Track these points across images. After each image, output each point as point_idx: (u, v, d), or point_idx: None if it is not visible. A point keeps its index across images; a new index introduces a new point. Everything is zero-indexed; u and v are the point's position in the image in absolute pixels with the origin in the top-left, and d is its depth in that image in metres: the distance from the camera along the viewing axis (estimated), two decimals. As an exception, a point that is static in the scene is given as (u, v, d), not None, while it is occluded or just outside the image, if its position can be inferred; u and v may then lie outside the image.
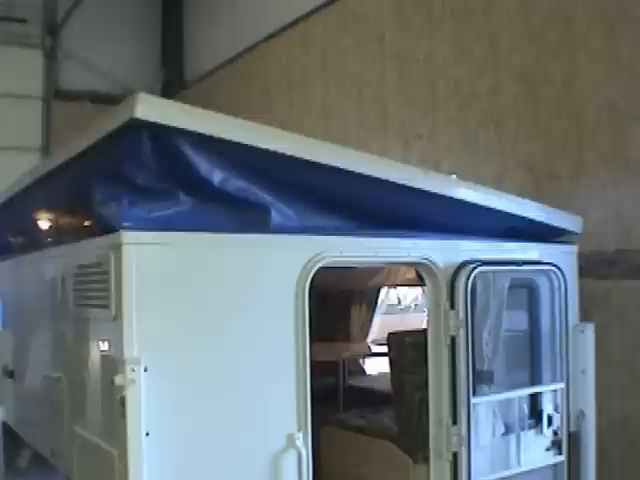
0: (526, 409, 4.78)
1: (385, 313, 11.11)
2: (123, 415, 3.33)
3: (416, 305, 15.08)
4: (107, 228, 3.52)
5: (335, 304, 8.35)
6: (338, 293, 8.14)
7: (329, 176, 4.00)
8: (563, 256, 5.12)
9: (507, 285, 4.67)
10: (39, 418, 5.03)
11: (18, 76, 13.86)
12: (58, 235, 4.65)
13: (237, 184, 3.75)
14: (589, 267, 5.73)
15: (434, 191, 4.35)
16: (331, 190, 4.08)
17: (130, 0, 15.25)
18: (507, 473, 4.69)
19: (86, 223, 4.02)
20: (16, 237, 5.75)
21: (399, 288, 11.22)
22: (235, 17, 12.82)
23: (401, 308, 15.26)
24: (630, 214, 6.02)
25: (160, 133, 3.46)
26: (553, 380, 4.95)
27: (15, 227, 5.75)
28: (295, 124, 10.02)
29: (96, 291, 3.67)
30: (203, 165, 3.62)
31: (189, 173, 3.60)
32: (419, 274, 4.71)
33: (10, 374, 5.70)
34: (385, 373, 6.98)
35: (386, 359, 5.99)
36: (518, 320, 4.96)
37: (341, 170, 3.98)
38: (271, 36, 11.50)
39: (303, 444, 3.84)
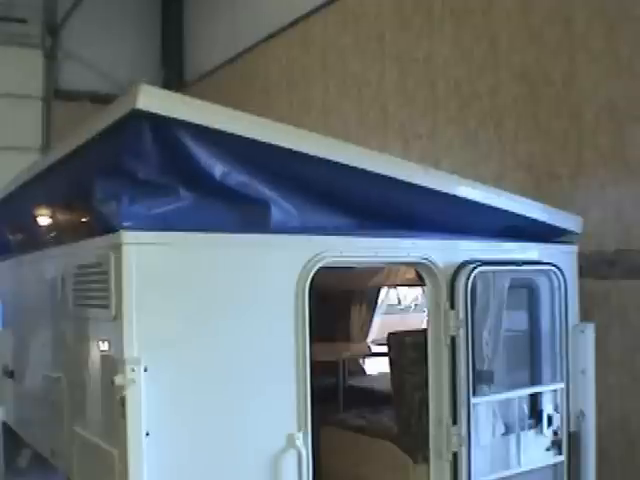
0: (526, 409, 4.78)
1: (385, 313, 11.12)
2: (123, 415, 3.33)
3: (416, 305, 15.09)
4: (107, 226, 3.51)
5: (335, 304, 8.35)
6: (338, 293, 8.14)
7: (330, 172, 4.00)
8: (563, 256, 5.12)
9: (507, 285, 4.67)
10: (39, 418, 5.03)
11: (18, 76, 13.84)
12: (57, 232, 4.65)
13: (238, 178, 3.74)
14: (589, 267, 5.73)
15: (434, 188, 4.34)
16: (332, 186, 4.08)
17: (130, 0, 15.25)
18: (507, 473, 4.69)
19: (86, 220, 4.01)
20: (15, 235, 5.74)
21: (399, 288, 11.24)
22: (235, 17, 12.82)
23: (401, 308, 15.27)
24: (630, 214, 6.02)
25: (162, 124, 3.45)
26: (553, 380, 4.95)
27: (14, 224, 5.74)
28: (295, 124, 9.99)
29: (96, 291, 3.67)
30: (204, 158, 3.61)
31: (190, 166, 3.59)
32: (419, 274, 4.71)
33: (10, 374, 5.70)
34: (385, 373, 6.98)
35: (386, 359, 5.99)
36: (518, 320, 4.96)
37: (342, 165, 3.98)
38: (271, 36, 11.50)
39: (303, 444, 3.83)
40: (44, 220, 4.86)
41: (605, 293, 6.02)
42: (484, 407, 4.55)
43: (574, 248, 5.29)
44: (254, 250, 3.79)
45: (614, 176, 6.16)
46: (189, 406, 3.56)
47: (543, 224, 5.00)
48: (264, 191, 3.83)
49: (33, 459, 6.06)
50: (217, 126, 3.59)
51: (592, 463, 5.08)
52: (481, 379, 4.54)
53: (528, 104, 6.99)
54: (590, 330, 5.09)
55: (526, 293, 5.01)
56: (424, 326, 4.74)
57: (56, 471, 4.81)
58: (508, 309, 4.68)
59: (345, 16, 9.83)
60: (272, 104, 11.22)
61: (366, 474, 5.62)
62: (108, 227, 3.51)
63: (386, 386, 6.08)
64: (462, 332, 4.38)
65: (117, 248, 3.42)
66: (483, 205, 4.59)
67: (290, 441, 3.82)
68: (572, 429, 5.00)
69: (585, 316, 5.27)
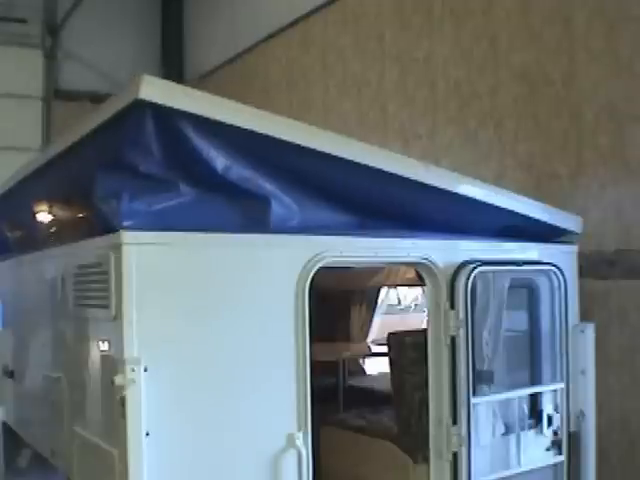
0: (526, 409, 4.78)
1: (385, 313, 11.13)
2: (123, 415, 3.33)
3: (416, 305, 15.10)
4: (107, 223, 3.50)
5: (335, 304, 8.35)
6: (338, 293, 8.14)
7: (331, 167, 3.99)
8: (563, 256, 5.12)
9: (507, 285, 4.67)
10: (39, 418, 5.03)
11: (18, 76, 13.84)
12: (57, 229, 4.64)
13: (239, 172, 3.74)
14: (589, 267, 5.73)
15: (435, 185, 4.34)
16: (333, 183, 4.07)
17: (130, 0, 15.25)
18: (507, 473, 4.69)
19: (86, 217, 4.00)
20: (13, 232, 5.73)
21: (399, 288, 11.24)
22: (235, 17, 12.81)
23: (401, 308, 15.28)
24: (630, 214, 6.01)
25: (164, 115, 3.45)
26: (553, 380, 4.95)
27: (12, 221, 5.73)
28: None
29: (96, 291, 3.66)
30: (206, 149, 3.61)
31: (191, 158, 3.59)
32: (419, 274, 4.71)
33: (10, 374, 5.70)
34: (385, 373, 6.98)
35: (386, 359, 5.99)
36: (518, 320, 4.96)
37: (343, 160, 3.97)
38: (271, 36, 11.50)
39: (303, 444, 3.83)
40: (44, 216, 4.85)
41: (605, 293, 6.02)
42: (484, 407, 4.55)
43: (574, 248, 5.29)
44: (254, 250, 3.79)
45: (614, 176, 6.15)
46: (189, 406, 3.56)
47: (543, 224, 5.00)
48: (265, 186, 3.82)
49: (33, 459, 6.06)
50: (219, 117, 3.58)
51: (592, 463, 5.08)
52: (481, 379, 4.54)
53: (528, 104, 6.99)
54: (590, 330, 5.09)
55: (526, 293, 5.01)
56: (424, 326, 4.74)
57: (56, 471, 4.81)
58: (508, 309, 4.68)
59: (345, 16, 9.82)
60: (272, 104, 11.21)
61: (366, 474, 5.62)
62: (108, 224, 3.50)
63: (386, 386, 6.08)
64: (462, 332, 4.38)
65: (117, 248, 3.41)
66: (484, 203, 4.59)
67: (290, 441, 3.82)
68: (572, 429, 5.00)
69: (585, 316, 5.27)
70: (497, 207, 4.66)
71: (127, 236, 3.40)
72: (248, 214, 3.80)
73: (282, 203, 3.88)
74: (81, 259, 3.93)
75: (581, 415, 5.04)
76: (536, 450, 4.85)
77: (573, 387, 5.01)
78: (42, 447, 5.02)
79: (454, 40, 7.92)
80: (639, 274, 5.89)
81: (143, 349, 3.39)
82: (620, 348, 5.96)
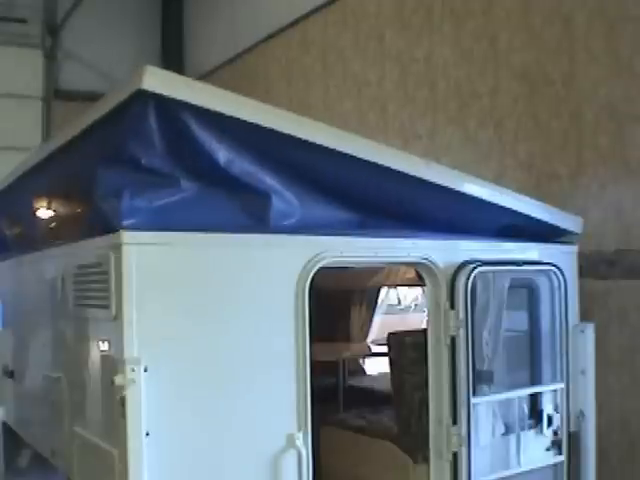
0: (526, 409, 4.78)
1: (385, 313, 11.13)
2: (123, 415, 3.32)
3: (416, 305, 15.09)
4: (108, 221, 3.50)
5: (335, 304, 8.35)
6: (338, 293, 8.14)
7: (333, 162, 3.99)
8: (563, 256, 5.12)
9: (507, 285, 4.67)
10: (39, 418, 5.02)
11: (18, 76, 13.85)
12: (56, 226, 4.63)
13: (241, 166, 3.73)
14: (589, 267, 5.73)
15: (435, 181, 4.33)
16: (334, 178, 4.07)
17: (130, 0, 15.25)
18: (507, 473, 4.68)
19: (86, 215, 3.98)
20: (12, 229, 5.72)
21: (399, 288, 11.24)
22: (234, 17, 12.81)
23: (401, 308, 15.27)
24: (630, 214, 6.01)
25: (166, 106, 3.44)
26: (553, 380, 4.95)
27: (11, 217, 5.72)
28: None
29: (96, 291, 3.66)
30: (208, 142, 3.61)
31: (193, 150, 3.59)
32: (419, 274, 4.71)
33: (10, 374, 5.70)
34: (385, 373, 6.98)
35: (386, 359, 5.99)
36: (518, 320, 4.96)
37: (345, 156, 3.97)
38: (271, 36, 11.50)
39: (303, 444, 3.83)
40: (42, 213, 4.84)
41: (605, 293, 6.02)
42: (484, 407, 4.55)
43: (574, 248, 5.29)
44: (254, 250, 3.78)
45: (614, 176, 6.15)
46: (189, 406, 3.55)
47: (544, 224, 4.99)
48: (266, 180, 3.82)
49: (33, 459, 6.06)
50: (222, 109, 3.58)
51: (592, 463, 5.08)
52: (481, 379, 4.54)
53: (528, 104, 6.99)
54: (590, 330, 5.09)
55: (526, 293, 5.01)
56: (424, 326, 4.74)
57: (56, 471, 4.81)
58: (508, 309, 4.68)
59: (345, 16, 9.82)
60: (272, 104, 11.19)
61: (366, 474, 5.62)
62: (109, 222, 3.49)
63: (386, 386, 6.08)
64: (462, 332, 4.38)
65: (117, 248, 3.41)
66: (484, 202, 4.59)
67: (290, 441, 3.82)
68: (572, 429, 5.00)
69: (585, 316, 5.27)
70: (498, 206, 4.66)
71: (127, 236, 3.40)
72: (249, 209, 3.79)
73: (283, 198, 3.87)
74: (81, 259, 3.93)
75: (581, 415, 5.04)
76: (536, 450, 4.85)
77: (573, 387, 5.01)
78: (42, 447, 5.02)
79: (454, 40, 7.92)
80: (639, 274, 5.89)
81: (143, 349, 3.39)
82: (620, 348, 5.96)
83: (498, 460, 4.68)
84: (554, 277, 4.91)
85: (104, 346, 3.65)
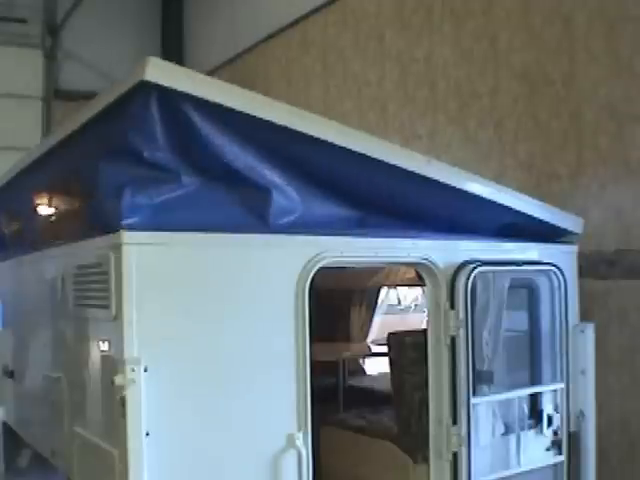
0: (526, 409, 4.78)
1: (385, 313, 11.13)
2: (123, 415, 3.32)
3: (416, 305, 15.09)
4: (109, 218, 3.49)
5: (335, 304, 8.35)
6: (338, 293, 8.14)
7: (335, 158, 3.98)
8: (563, 256, 5.12)
9: (507, 285, 4.67)
10: (39, 418, 5.02)
11: (18, 76, 13.85)
12: (56, 225, 4.62)
13: (243, 160, 3.73)
14: (589, 267, 5.73)
15: (436, 178, 4.33)
16: (336, 175, 4.06)
17: (130, 0, 15.26)
18: (507, 473, 4.68)
19: (87, 212, 3.97)
20: (10, 226, 5.71)
21: (399, 288, 11.24)
22: (234, 17, 12.82)
23: (401, 308, 15.28)
24: (630, 214, 6.01)
25: (169, 98, 3.44)
26: (553, 380, 4.95)
27: (8, 215, 5.70)
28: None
29: (96, 291, 3.66)
30: (210, 134, 3.60)
31: (195, 143, 3.58)
32: (419, 274, 4.71)
33: (10, 374, 5.70)
34: (385, 373, 6.98)
35: (386, 359, 5.99)
36: (518, 320, 4.96)
37: (346, 151, 3.97)
38: (271, 36, 11.50)
39: (303, 444, 3.83)
40: (43, 210, 4.83)
41: (605, 293, 6.02)
42: (484, 407, 4.55)
43: (574, 248, 5.29)
44: (254, 250, 3.78)
45: (614, 176, 6.15)
46: (189, 406, 3.55)
47: (544, 223, 4.99)
48: (268, 174, 3.81)
49: (33, 459, 6.06)
50: (225, 102, 3.57)
51: (592, 463, 5.08)
52: (481, 379, 4.54)
53: (528, 104, 6.99)
54: (590, 330, 5.09)
55: (526, 293, 5.01)
56: (424, 326, 4.74)
57: (56, 471, 4.81)
58: (508, 309, 4.68)
59: (345, 16, 9.83)
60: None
61: (366, 474, 5.62)
62: (110, 220, 3.48)
63: (386, 386, 6.08)
64: (462, 332, 4.38)
65: (117, 248, 3.41)
66: (485, 200, 4.58)
67: (290, 441, 3.82)
68: (572, 429, 5.00)
69: (585, 316, 5.27)
70: (498, 204, 4.66)
71: (127, 236, 3.40)
72: (250, 204, 3.78)
73: (284, 193, 3.86)
74: (81, 259, 3.93)
75: (581, 415, 5.04)
76: (536, 450, 4.85)
77: (573, 387, 5.01)
78: (42, 447, 5.02)
79: (454, 40, 7.92)
80: (639, 274, 5.89)
81: (143, 349, 3.39)
82: (620, 348, 5.96)
83: (498, 460, 4.67)
84: (554, 277, 4.91)
85: (104, 346, 3.65)
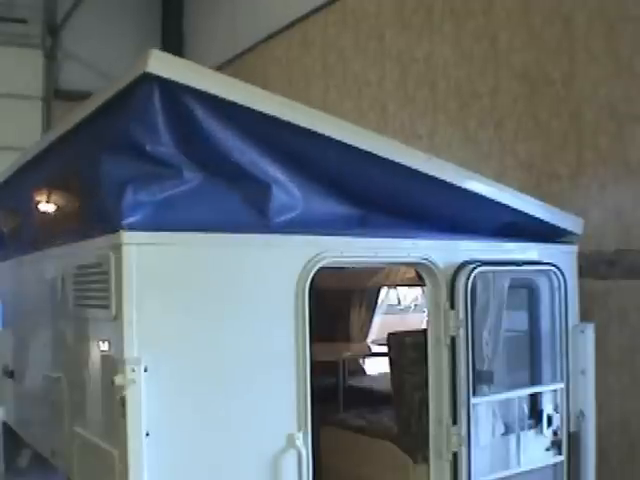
0: (526, 409, 4.78)
1: (385, 313, 11.13)
2: (123, 415, 3.32)
3: (416, 305, 15.10)
4: (111, 217, 3.49)
5: (335, 304, 8.35)
6: (338, 293, 8.14)
7: (337, 155, 3.98)
8: (563, 256, 5.12)
9: (507, 285, 4.67)
10: (39, 418, 5.02)
11: (18, 76, 13.85)
12: (57, 223, 4.61)
13: (245, 155, 3.72)
14: (589, 267, 5.73)
15: (437, 176, 4.32)
16: (338, 172, 4.06)
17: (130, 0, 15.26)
18: (507, 473, 4.68)
19: (89, 209, 3.97)
20: (9, 225, 5.70)
21: (399, 288, 11.24)
22: (235, 17, 12.82)
23: (401, 308, 15.29)
24: (630, 214, 6.02)
25: (172, 90, 3.43)
26: (553, 380, 4.95)
27: (6, 213, 5.69)
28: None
29: (96, 291, 3.66)
30: (212, 128, 3.59)
31: (197, 136, 3.57)
32: (419, 274, 4.71)
33: (10, 374, 5.69)
34: (385, 373, 6.98)
35: (386, 359, 5.99)
36: (518, 320, 4.96)
37: (347, 148, 3.96)
38: (271, 36, 11.50)
39: (303, 444, 3.83)
40: (43, 208, 4.81)
41: (605, 293, 6.02)
42: (484, 407, 4.55)
43: (574, 248, 5.29)
44: (254, 250, 3.78)
45: (614, 176, 6.15)
46: (189, 406, 3.55)
47: (544, 223, 4.99)
48: (269, 170, 3.80)
49: (33, 459, 6.06)
50: (225, 95, 3.57)
51: (592, 463, 5.08)
52: (481, 379, 4.54)
53: (528, 104, 6.99)
54: (590, 330, 5.09)
55: (526, 293, 5.01)
56: (424, 326, 4.74)
57: (56, 471, 4.81)
58: (508, 309, 4.68)
59: (345, 16, 9.83)
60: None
61: (366, 474, 5.61)
62: (111, 218, 3.48)
63: (386, 386, 6.07)
64: (462, 332, 4.38)
65: (117, 248, 3.41)
66: (486, 198, 4.58)
67: (290, 441, 3.82)
68: (572, 429, 5.00)
69: (585, 316, 5.27)
70: (499, 203, 4.65)
71: (127, 236, 3.40)
72: (251, 200, 3.77)
73: (286, 190, 3.86)
74: (81, 259, 3.93)
75: (581, 415, 5.04)
76: (536, 450, 4.85)
77: (573, 387, 5.01)
78: (42, 447, 5.01)
79: (454, 40, 7.92)
80: (639, 274, 5.89)
81: (143, 349, 3.39)
82: (620, 348, 5.96)
83: (498, 460, 4.67)
84: (554, 277, 4.91)
85: (104, 346, 3.65)
